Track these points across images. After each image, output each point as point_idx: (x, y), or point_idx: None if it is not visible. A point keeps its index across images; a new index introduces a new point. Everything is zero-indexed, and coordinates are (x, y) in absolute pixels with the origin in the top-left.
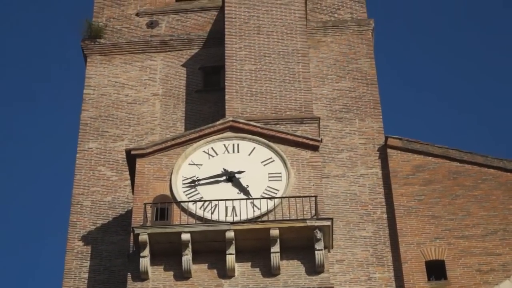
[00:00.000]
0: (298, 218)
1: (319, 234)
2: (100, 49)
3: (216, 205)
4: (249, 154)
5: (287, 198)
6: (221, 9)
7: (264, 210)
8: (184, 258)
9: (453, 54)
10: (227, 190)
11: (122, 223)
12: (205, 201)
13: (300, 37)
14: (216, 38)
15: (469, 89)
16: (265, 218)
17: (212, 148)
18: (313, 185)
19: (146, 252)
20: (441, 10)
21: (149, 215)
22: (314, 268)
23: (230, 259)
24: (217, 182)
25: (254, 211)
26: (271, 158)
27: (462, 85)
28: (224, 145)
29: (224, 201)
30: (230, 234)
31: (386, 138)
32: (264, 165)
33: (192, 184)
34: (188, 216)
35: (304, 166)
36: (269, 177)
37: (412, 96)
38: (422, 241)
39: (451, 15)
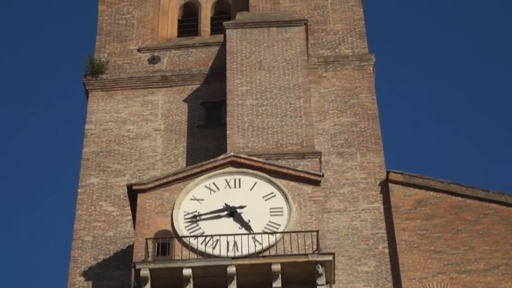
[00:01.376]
0: (300, 253)
1: (321, 269)
2: (102, 85)
3: (217, 240)
4: (251, 189)
5: (289, 233)
6: (223, 44)
7: (265, 245)
8: None
9: (454, 89)
10: (229, 225)
11: (124, 258)
12: (206, 236)
13: (302, 72)
14: (217, 73)
15: (470, 125)
16: (266, 253)
17: (213, 183)
18: (315, 220)
19: (148, 287)
20: (442, 45)
21: (150, 250)
22: None
23: None
24: (219, 217)
25: (255, 246)
26: (272, 193)
27: (463, 120)
28: (226, 180)
29: (225, 236)
30: (231, 269)
31: (388, 172)
32: (266, 200)
33: (194, 219)
34: (189, 251)
35: (305, 200)
36: (271, 212)
37: (414, 131)
38: (424, 276)
39: (452, 50)
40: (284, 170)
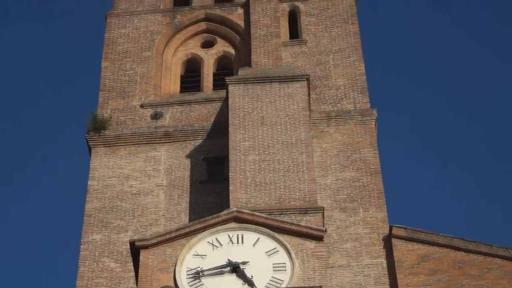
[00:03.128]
0: None
1: None
2: (104, 141)
3: None
4: (254, 245)
5: None
6: (225, 100)
7: None
8: None
9: (456, 144)
10: (232, 281)
11: None
12: None
13: (304, 127)
14: (220, 128)
15: (472, 179)
16: None
17: (216, 239)
18: (318, 275)
19: None
20: (442, 100)
21: None
22: None
23: None
24: (222, 273)
25: None
26: (275, 248)
27: (466, 175)
28: (229, 236)
29: None
30: None
31: (391, 227)
32: (269, 255)
33: (197, 275)
34: None
35: (308, 256)
36: (274, 267)
37: (416, 185)
38: None
39: (451, 105)
40: (287, 226)
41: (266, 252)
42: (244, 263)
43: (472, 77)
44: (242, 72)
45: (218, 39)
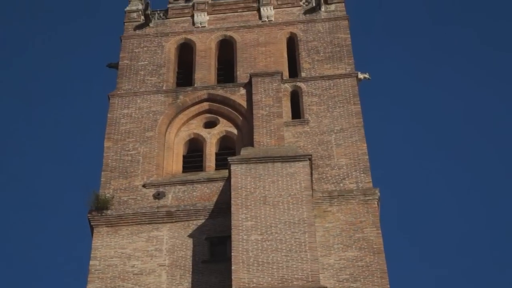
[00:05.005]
0: None
1: None
2: (107, 221)
3: None
4: None
5: None
6: (228, 179)
7: None
8: None
9: (459, 218)
10: None
11: None
12: None
13: (306, 207)
14: (222, 208)
15: (477, 256)
16: None
17: None
18: None
19: None
20: (446, 179)
21: None
22: None
23: None
24: None
25: None
26: None
27: (468, 253)
28: None
29: None
30: None
31: None
32: None
33: None
34: None
35: None
36: None
37: (419, 264)
38: None
39: (454, 186)
40: None
41: None
42: None
43: (476, 154)
44: (245, 152)
45: (221, 119)
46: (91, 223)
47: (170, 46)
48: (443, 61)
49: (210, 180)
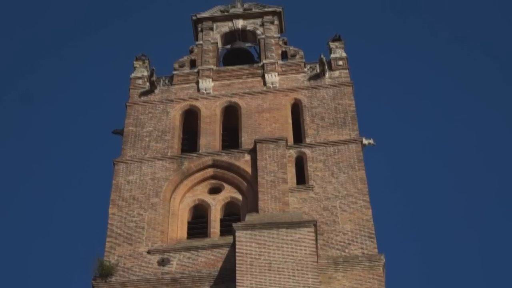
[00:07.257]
0: None
1: None
2: (111, 287)
3: None
4: None
5: None
6: (232, 245)
7: None
8: None
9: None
10: None
11: None
12: None
13: (311, 273)
14: (227, 275)
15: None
16: None
17: None
18: None
19: None
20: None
21: None
22: None
23: None
24: None
25: None
26: None
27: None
28: None
29: None
30: None
31: None
32: None
33: None
34: None
35: None
36: None
37: None
38: None
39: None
40: None
41: None
42: None
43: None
44: (249, 218)
45: (226, 185)
46: None
47: (175, 113)
48: (448, 127)
49: (215, 246)
